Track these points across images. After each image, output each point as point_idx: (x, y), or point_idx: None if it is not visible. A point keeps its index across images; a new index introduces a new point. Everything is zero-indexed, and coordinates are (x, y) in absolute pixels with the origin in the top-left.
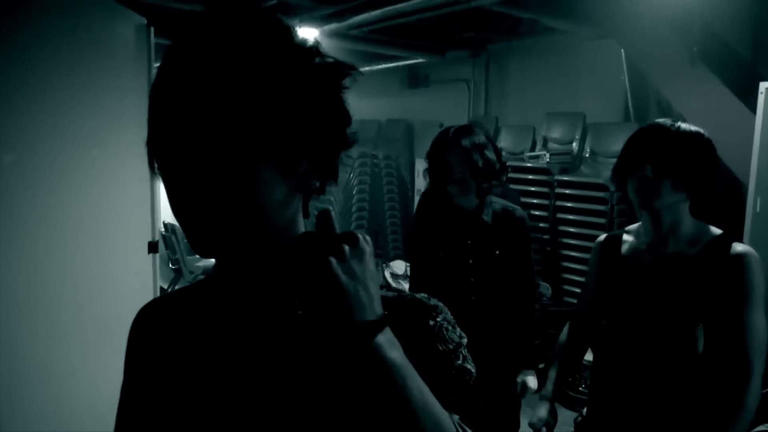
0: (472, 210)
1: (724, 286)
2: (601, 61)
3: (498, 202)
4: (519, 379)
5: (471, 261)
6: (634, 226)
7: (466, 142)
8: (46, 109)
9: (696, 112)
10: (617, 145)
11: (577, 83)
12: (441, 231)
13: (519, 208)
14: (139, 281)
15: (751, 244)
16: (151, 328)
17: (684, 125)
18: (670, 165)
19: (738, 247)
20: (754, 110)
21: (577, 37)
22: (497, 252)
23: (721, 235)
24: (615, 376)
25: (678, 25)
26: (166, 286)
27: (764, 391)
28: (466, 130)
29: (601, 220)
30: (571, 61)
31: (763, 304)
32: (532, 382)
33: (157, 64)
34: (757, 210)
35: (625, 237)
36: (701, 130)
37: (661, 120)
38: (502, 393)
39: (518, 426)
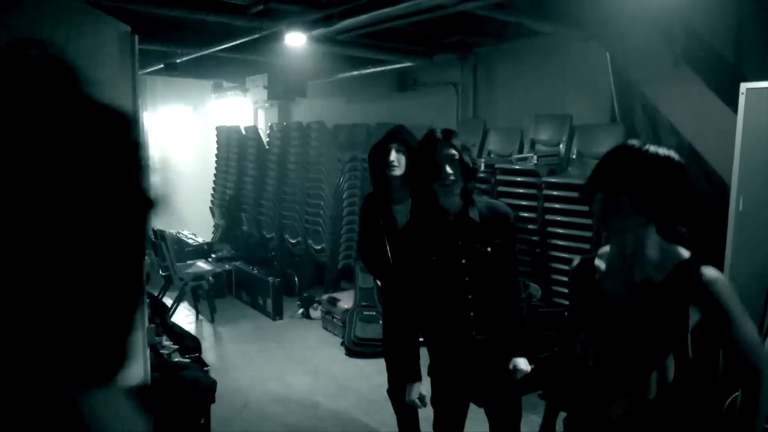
0: (458, 210)
1: (703, 315)
2: (587, 63)
3: (481, 200)
4: (510, 365)
5: (464, 261)
6: (605, 249)
7: (456, 143)
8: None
9: (680, 113)
10: (604, 146)
11: (564, 85)
12: (430, 234)
13: (502, 203)
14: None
15: (735, 242)
16: None
17: (654, 148)
18: (628, 186)
19: (707, 274)
20: (736, 111)
21: (563, 40)
22: (488, 249)
23: (688, 259)
24: (589, 402)
25: (661, 28)
26: (156, 293)
27: None
28: (452, 132)
29: (589, 221)
30: (558, 63)
31: (746, 316)
32: (522, 364)
33: (142, 71)
34: (740, 209)
35: (597, 261)
36: (672, 155)
37: (633, 141)
38: (504, 384)
39: (520, 416)
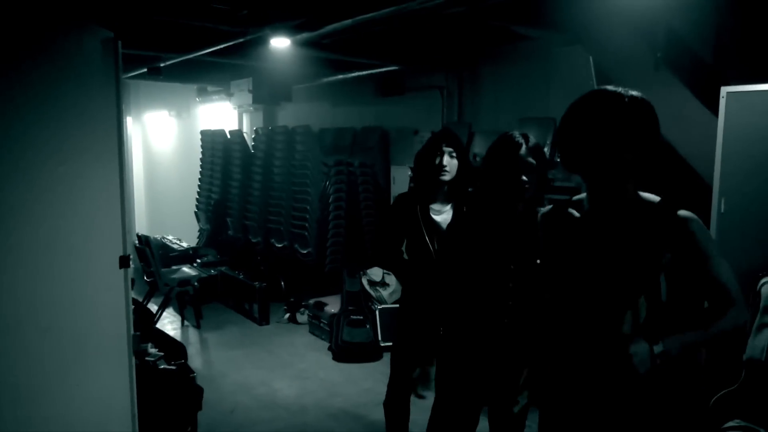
0: (519, 215)
1: (677, 254)
2: (571, 66)
3: (542, 209)
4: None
5: (512, 266)
6: (579, 197)
7: (537, 147)
8: (8, 126)
9: (661, 116)
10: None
11: (548, 89)
12: (484, 233)
13: None
14: (110, 298)
15: (717, 243)
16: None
17: (630, 91)
18: (636, 139)
19: (682, 213)
20: (716, 114)
21: (547, 44)
22: (539, 261)
23: (662, 201)
24: (561, 349)
25: (643, 31)
26: (141, 299)
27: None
28: (528, 137)
29: None
30: (542, 67)
31: (718, 255)
32: None
33: (126, 75)
34: (722, 210)
35: (570, 208)
36: (642, 95)
37: (608, 87)
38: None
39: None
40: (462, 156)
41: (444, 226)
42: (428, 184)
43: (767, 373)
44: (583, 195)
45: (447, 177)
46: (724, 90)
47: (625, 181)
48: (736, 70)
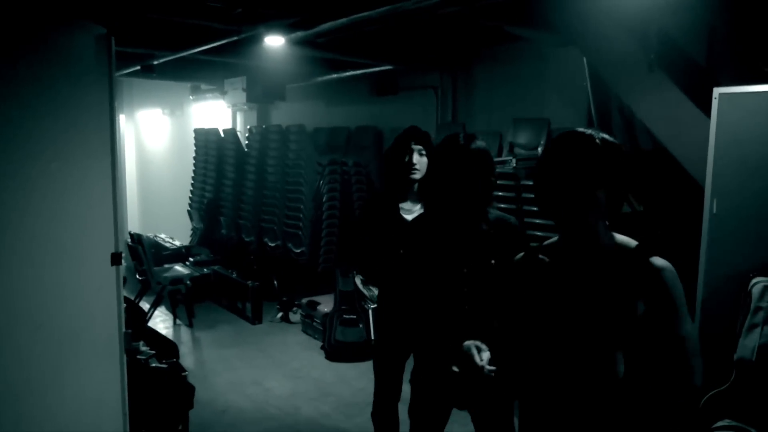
0: (471, 219)
1: (649, 306)
2: (565, 67)
3: (493, 211)
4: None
5: (465, 270)
6: (551, 241)
7: (479, 151)
8: (1, 122)
9: (655, 117)
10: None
11: (542, 89)
12: (436, 239)
13: (512, 216)
14: (101, 295)
15: (709, 244)
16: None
17: (602, 134)
18: (607, 177)
19: (656, 262)
20: (709, 115)
21: (541, 45)
22: (493, 261)
23: (637, 247)
24: (538, 401)
25: (637, 33)
26: (133, 298)
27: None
28: (474, 137)
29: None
30: (536, 68)
31: (687, 314)
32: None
33: (119, 73)
34: (714, 211)
35: (542, 254)
36: (614, 139)
37: (581, 129)
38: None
39: (510, 419)
40: (431, 154)
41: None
42: (398, 184)
43: (757, 373)
44: (555, 239)
45: (417, 175)
46: (717, 91)
47: (596, 222)
48: (729, 72)
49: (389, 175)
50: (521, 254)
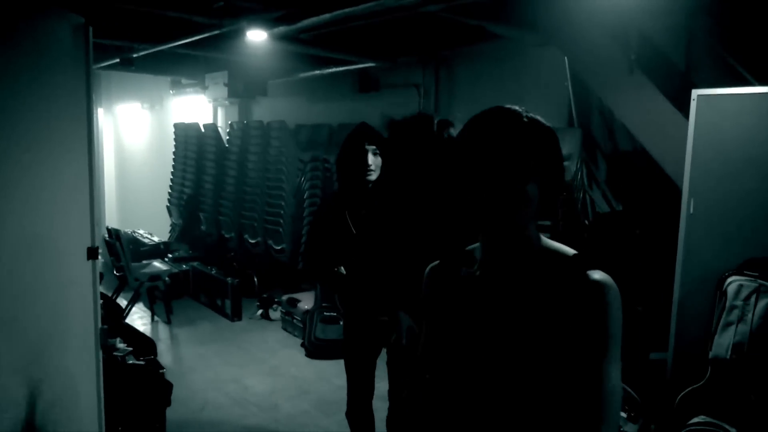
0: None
1: (581, 330)
2: (546, 67)
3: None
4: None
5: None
6: (474, 246)
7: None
8: None
9: (634, 118)
10: (562, 149)
11: (523, 89)
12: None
13: None
14: (77, 290)
15: (686, 243)
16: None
17: (532, 114)
18: (542, 167)
19: (596, 277)
20: (687, 116)
21: (523, 44)
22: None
23: (574, 257)
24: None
25: (617, 35)
26: (110, 294)
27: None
28: (450, 123)
29: (546, 222)
30: (517, 67)
31: (619, 350)
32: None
33: (97, 66)
34: (691, 211)
35: (459, 264)
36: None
37: (510, 106)
38: None
39: None
40: (384, 152)
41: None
42: (354, 187)
43: (732, 370)
44: (476, 246)
45: (373, 176)
46: (695, 93)
47: (526, 223)
48: (707, 74)
49: (344, 178)
50: (436, 262)
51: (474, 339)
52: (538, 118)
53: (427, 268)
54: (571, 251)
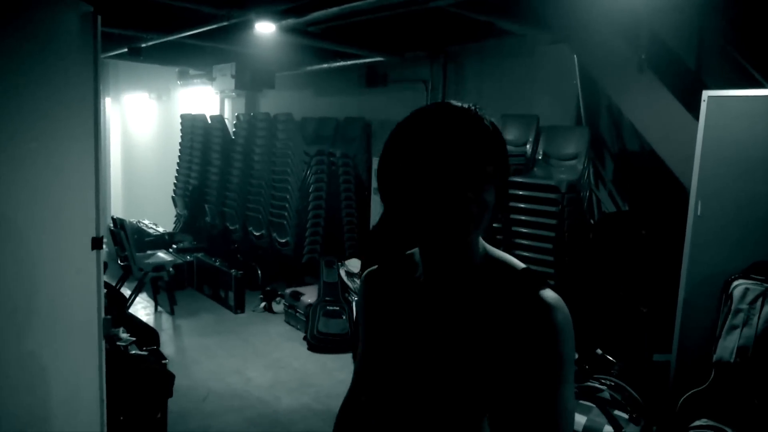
0: None
1: (530, 352)
2: (555, 65)
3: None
4: None
5: None
6: (414, 251)
7: None
8: None
9: (643, 117)
10: (569, 148)
11: (532, 86)
12: None
13: None
14: (81, 279)
15: (692, 245)
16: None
17: (481, 110)
18: (501, 171)
19: (547, 297)
20: (697, 117)
21: (532, 41)
22: None
23: (523, 272)
24: None
25: (627, 34)
26: (114, 284)
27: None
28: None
29: (552, 221)
30: (526, 64)
31: (573, 373)
32: None
33: (105, 55)
34: (699, 213)
35: (393, 275)
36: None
37: (457, 103)
38: None
39: None
40: None
41: None
42: None
43: (736, 374)
44: (413, 252)
45: None
46: (706, 94)
47: (469, 232)
48: (717, 75)
49: None
50: (372, 268)
51: (412, 355)
52: (487, 116)
53: (364, 274)
54: (519, 264)
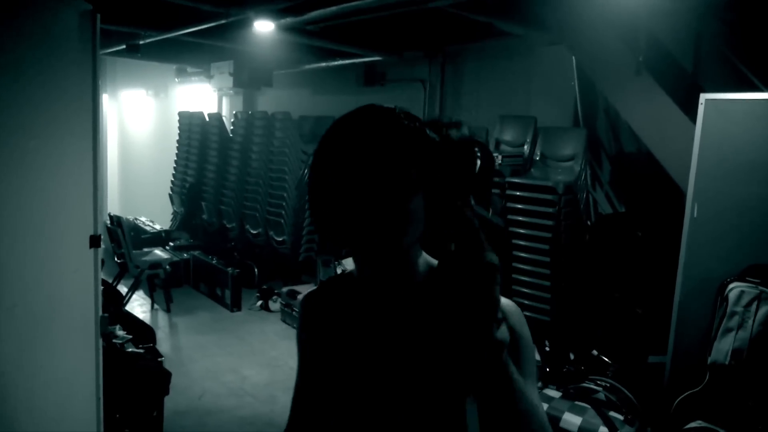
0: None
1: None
2: (554, 66)
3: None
4: None
5: None
6: (350, 271)
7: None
8: None
9: (640, 119)
10: (567, 149)
11: (530, 87)
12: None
13: (498, 217)
14: (78, 277)
15: (688, 248)
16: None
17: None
18: (427, 175)
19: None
20: (694, 120)
21: (530, 42)
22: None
23: None
24: None
25: (626, 36)
26: (110, 281)
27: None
28: (459, 123)
29: (549, 222)
30: (525, 65)
31: (534, 369)
32: None
33: (103, 51)
34: (695, 216)
35: (339, 290)
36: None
37: (378, 106)
38: None
39: None
40: None
41: None
42: None
43: (731, 376)
44: (352, 270)
45: None
46: (703, 97)
47: (394, 244)
48: (714, 78)
49: None
50: (310, 290)
51: (354, 380)
52: (418, 122)
53: (303, 297)
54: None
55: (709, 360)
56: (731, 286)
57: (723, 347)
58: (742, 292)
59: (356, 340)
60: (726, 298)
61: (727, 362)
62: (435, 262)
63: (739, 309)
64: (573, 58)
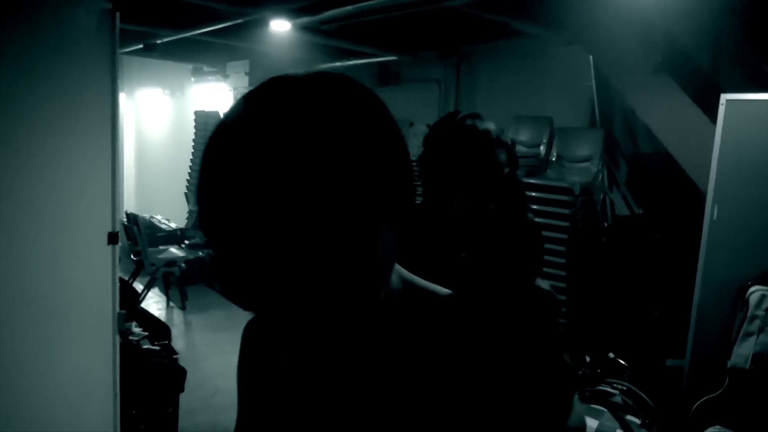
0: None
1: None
2: (570, 66)
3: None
4: None
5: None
6: None
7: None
8: None
9: (658, 120)
10: (583, 150)
11: (546, 87)
12: None
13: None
14: (95, 274)
15: (708, 250)
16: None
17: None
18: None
19: None
20: (713, 120)
21: (546, 42)
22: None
23: (448, 299)
24: None
25: (643, 35)
26: (126, 278)
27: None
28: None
29: (565, 224)
30: (541, 65)
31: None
32: None
33: (120, 51)
34: (714, 218)
35: (281, 325)
36: None
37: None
38: None
39: None
40: None
41: None
42: None
43: (751, 381)
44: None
45: None
46: (724, 97)
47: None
48: (733, 78)
49: None
50: (252, 318)
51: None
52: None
53: (245, 328)
54: (442, 290)
55: (729, 364)
56: (752, 289)
57: (743, 351)
58: (764, 295)
59: (310, 386)
60: (746, 302)
61: (747, 367)
62: (413, 277)
63: (760, 313)
64: (590, 58)
